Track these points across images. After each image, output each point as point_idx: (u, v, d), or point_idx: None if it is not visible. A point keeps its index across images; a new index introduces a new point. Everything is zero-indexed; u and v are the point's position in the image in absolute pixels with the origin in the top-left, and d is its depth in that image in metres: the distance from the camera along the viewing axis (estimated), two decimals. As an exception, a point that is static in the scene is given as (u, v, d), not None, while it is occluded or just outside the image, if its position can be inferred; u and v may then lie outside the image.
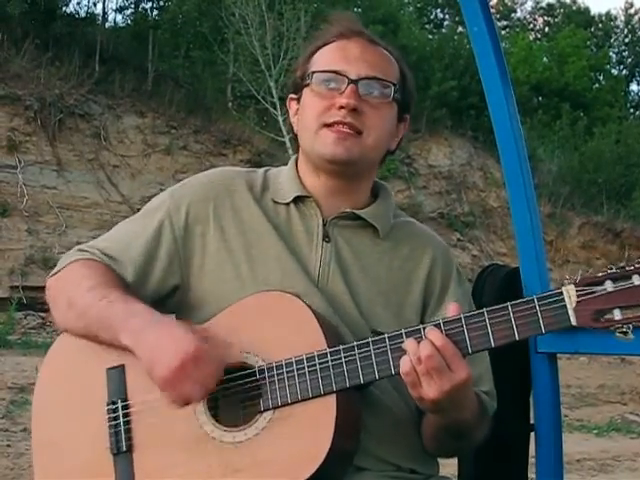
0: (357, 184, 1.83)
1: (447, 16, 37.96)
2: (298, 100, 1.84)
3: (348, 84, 1.73)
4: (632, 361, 15.55)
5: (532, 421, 2.09)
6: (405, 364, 1.52)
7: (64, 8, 20.86)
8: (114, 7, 24.07)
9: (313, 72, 1.78)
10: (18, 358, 9.80)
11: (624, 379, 14.36)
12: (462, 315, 1.53)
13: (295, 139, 1.88)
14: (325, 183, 1.80)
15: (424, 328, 1.54)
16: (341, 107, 1.72)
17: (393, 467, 1.70)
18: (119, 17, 24.36)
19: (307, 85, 1.79)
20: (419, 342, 1.52)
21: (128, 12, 23.93)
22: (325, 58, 1.80)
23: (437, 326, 1.54)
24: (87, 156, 16.68)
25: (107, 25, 22.50)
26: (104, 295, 1.67)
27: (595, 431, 10.13)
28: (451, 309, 1.56)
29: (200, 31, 21.36)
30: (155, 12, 23.75)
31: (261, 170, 1.91)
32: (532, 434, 2.10)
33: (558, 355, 2.05)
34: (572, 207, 24.82)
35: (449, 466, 2.05)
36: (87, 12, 22.09)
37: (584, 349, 1.96)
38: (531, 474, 2.13)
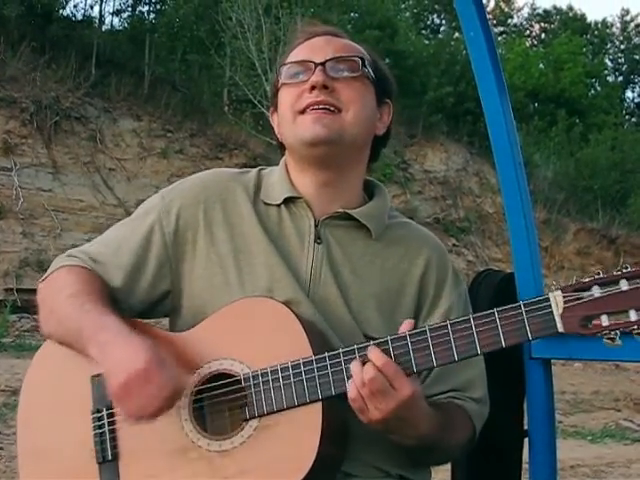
0: (346, 175, 1.77)
1: (444, 22, 38.06)
2: (276, 108, 1.81)
3: (315, 68, 1.71)
4: (626, 367, 15.55)
5: (526, 427, 2.09)
6: (351, 390, 1.50)
7: (61, 11, 20.85)
8: (111, 10, 24.11)
9: (281, 66, 1.78)
10: (12, 361, 9.75)
11: (618, 385, 14.35)
12: (448, 322, 1.51)
13: (281, 147, 1.85)
14: (313, 178, 1.75)
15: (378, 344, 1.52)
16: (312, 88, 1.70)
17: (382, 473, 1.68)
18: (116, 20, 24.44)
19: (280, 87, 1.78)
20: (363, 365, 1.50)
21: (125, 15, 23.94)
22: (292, 57, 1.79)
23: (385, 343, 1.52)
24: (83, 159, 16.65)
25: (104, 28, 22.46)
26: (81, 304, 1.64)
27: (589, 437, 10.11)
28: (404, 326, 1.54)
29: (197, 35, 21.34)
30: (152, 16, 23.75)
31: (254, 170, 1.87)
32: (526, 440, 2.10)
33: (552, 361, 2.05)
34: (567, 213, 24.88)
35: (442, 472, 2.05)
36: (84, 15, 22.11)
37: (578, 355, 1.95)
38: (525, 480, 2.13)
